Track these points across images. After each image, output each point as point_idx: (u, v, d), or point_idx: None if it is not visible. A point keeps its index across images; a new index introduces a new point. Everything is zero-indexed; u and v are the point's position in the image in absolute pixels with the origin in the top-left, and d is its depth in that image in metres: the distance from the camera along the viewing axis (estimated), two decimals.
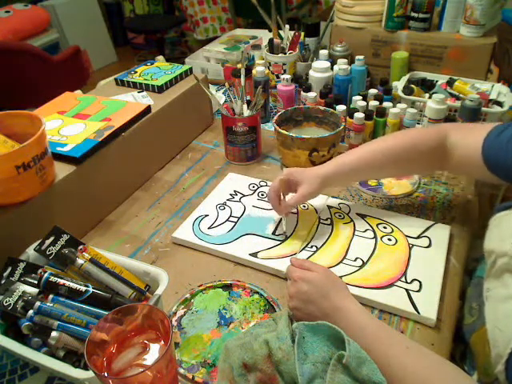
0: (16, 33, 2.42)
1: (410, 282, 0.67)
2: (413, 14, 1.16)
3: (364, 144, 0.79)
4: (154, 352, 0.48)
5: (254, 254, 0.73)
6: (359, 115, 0.96)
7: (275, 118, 0.95)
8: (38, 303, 0.54)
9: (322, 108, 0.99)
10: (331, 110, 0.97)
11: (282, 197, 0.77)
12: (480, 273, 0.66)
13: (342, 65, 1.11)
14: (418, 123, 1.01)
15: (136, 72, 1.07)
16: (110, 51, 3.59)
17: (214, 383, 0.55)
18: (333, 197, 0.86)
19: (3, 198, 0.67)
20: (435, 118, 0.94)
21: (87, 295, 0.56)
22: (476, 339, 0.58)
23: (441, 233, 0.76)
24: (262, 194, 0.87)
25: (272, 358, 0.51)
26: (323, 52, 1.19)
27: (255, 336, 0.53)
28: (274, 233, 0.78)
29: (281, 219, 0.80)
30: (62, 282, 0.56)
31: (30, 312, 0.53)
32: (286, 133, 0.90)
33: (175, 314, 0.65)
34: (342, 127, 0.92)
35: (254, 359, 0.51)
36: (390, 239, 0.75)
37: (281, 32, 1.28)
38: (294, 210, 0.82)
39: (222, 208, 0.84)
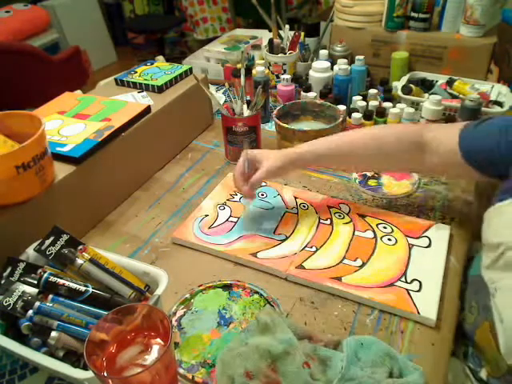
0: (16, 33, 2.42)
1: (410, 282, 0.67)
2: (413, 14, 1.16)
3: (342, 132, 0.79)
4: (153, 352, 0.48)
5: (254, 254, 0.73)
6: (357, 115, 0.96)
7: (275, 112, 0.98)
8: (37, 303, 0.54)
9: (318, 102, 1.01)
10: (328, 103, 0.99)
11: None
12: (474, 272, 0.66)
13: (341, 65, 1.11)
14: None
15: (136, 72, 1.07)
16: (110, 51, 3.59)
17: (213, 383, 0.55)
18: (333, 197, 0.86)
19: (3, 198, 0.67)
20: (432, 118, 0.94)
21: (87, 295, 0.56)
22: (480, 335, 0.59)
23: (441, 233, 0.76)
24: (262, 194, 0.87)
25: (276, 363, 0.52)
26: (323, 52, 1.19)
27: (256, 346, 0.54)
28: (274, 233, 0.78)
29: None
30: (61, 282, 0.56)
31: (30, 312, 0.53)
32: (287, 126, 0.93)
33: (175, 314, 0.65)
34: (340, 119, 0.94)
35: (257, 367, 0.52)
36: (390, 239, 0.75)
37: (281, 32, 1.28)
38: (295, 211, 0.82)
39: (221, 208, 0.84)
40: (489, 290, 0.57)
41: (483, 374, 0.59)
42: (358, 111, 0.99)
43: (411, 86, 1.05)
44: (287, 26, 1.29)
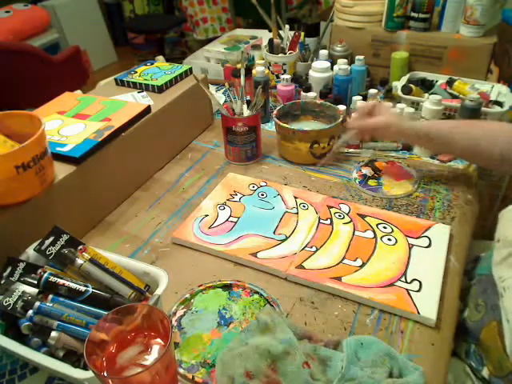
0: (16, 33, 2.41)
1: (410, 282, 0.67)
2: (413, 14, 1.16)
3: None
4: (153, 352, 0.48)
5: (254, 254, 0.73)
6: (356, 115, 0.96)
7: (275, 112, 0.98)
8: (37, 303, 0.54)
9: (318, 102, 1.01)
10: (328, 103, 0.99)
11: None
12: (482, 271, 0.67)
13: (341, 65, 1.11)
14: None
15: (136, 72, 1.07)
16: (110, 51, 3.59)
17: (213, 383, 0.55)
18: (333, 197, 0.86)
19: (3, 198, 0.67)
20: (431, 118, 0.94)
21: (87, 295, 0.56)
22: (486, 334, 0.59)
23: (441, 233, 0.76)
24: (262, 194, 0.87)
25: (276, 362, 0.52)
26: (323, 52, 1.19)
27: (256, 346, 0.54)
28: (274, 233, 0.78)
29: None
30: (61, 282, 0.56)
31: (30, 312, 0.53)
32: (287, 126, 0.93)
33: (175, 314, 0.65)
34: (340, 119, 0.94)
35: (258, 367, 0.52)
36: (389, 239, 0.75)
37: (281, 32, 1.28)
38: (295, 211, 0.82)
39: (221, 208, 0.84)
40: (498, 289, 0.57)
41: (485, 372, 0.59)
42: None
43: (411, 85, 1.05)
44: (287, 26, 1.29)
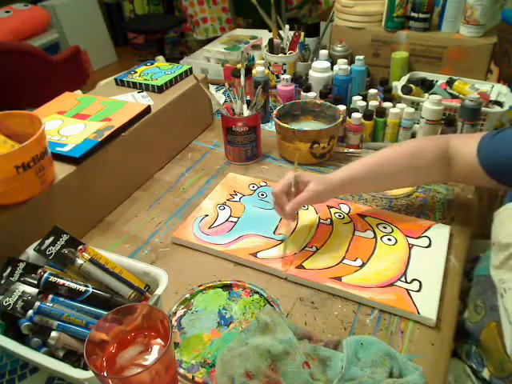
0: (16, 33, 2.42)
1: (410, 282, 0.67)
2: (413, 14, 1.16)
3: (372, 154, 0.78)
4: (153, 352, 0.48)
5: (254, 254, 0.73)
6: (357, 115, 0.96)
7: (275, 112, 0.97)
8: (37, 303, 0.54)
9: (318, 102, 1.01)
10: (328, 103, 0.99)
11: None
12: (480, 272, 0.67)
13: (341, 65, 1.11)
14: (417, 123, 1.01)
15: (136, 72, 1.07)
16: (110, 51, 3.59)
17: (213, 383, 0.55)
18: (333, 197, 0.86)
19: (3, 198, 0.67)
20: (432, 118, 0.94)
21: (87, 295, 0.56)
22: (486, 335, 0.59)
23: (441, 233, 0.76)
24: (262, 194, 0.87)
25: (276, 362, 0.52)
26: (323, 52, 1.19)
27: (256, 346, 0.54)
28: (274, 233, 0.78)
29: (281, 219, 0.80)
30: (61, 282, 0.56)
31: (30, 312, 0.53)
32: (287, 126, 0.93)
33: (175, 314, 0.65)
34: (341, 119, 0.94)
35: (258, 367, 0.52)
36: (389, 239, 0.75)
37: (281, 32, 1.28)
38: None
39: (221, 208, 0.84)
40: (497, 290, 0.57)
41: (486, 373, 0.59)
42: (358, 111, 0.99)
43: (411, 85, 1.05)
44: (287, 26, 1.29)
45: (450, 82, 1.08)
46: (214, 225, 0.80)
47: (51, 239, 0.60)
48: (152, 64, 1.11)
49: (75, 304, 0.55)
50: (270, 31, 1.28)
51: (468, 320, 0.64)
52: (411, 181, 0.80)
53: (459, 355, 0.65)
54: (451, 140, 0.73)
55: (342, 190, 0.77)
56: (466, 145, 0.71)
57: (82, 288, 0.56)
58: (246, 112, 0.96)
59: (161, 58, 1.26)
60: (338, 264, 0.71)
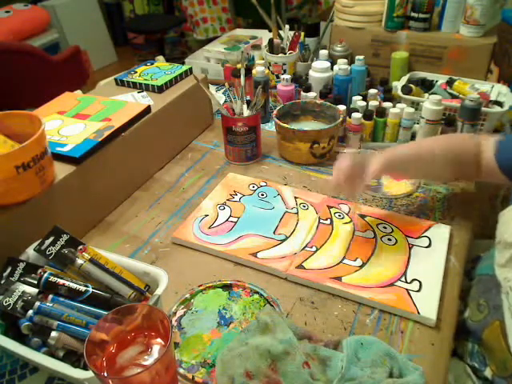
0: (16, 33, 2.41)
1: (410, 282, 0.67)
2: (413, 14, 1.16)
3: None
4: (153, 352, 0.48)
5: (254, 254, 0.73)
6: (356, 115, 0.96)
7: (275, 112, 0.97)
8: (37, 303, 0.54)
9: (318, 102, 1.01)
10: (328, 103, 0.99)
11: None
12: (482, 271, 0.67)
13: (341, 65, 1.11)
14: (417, 123, 1.01)
15: (136, 72, 1.07)
16: (110, 51, 3.59)
17: (213, 383, 0.55)
18: (333, 197, 0.86)
19: (3, 198, 0.67)
20: (432, 118, 0.94)
21: (87, 295, 0.56)
22: (489, 334, 0.59)
23: (441, 233, 0.76)
24: (262, 194, 0.87)
25: (276, 363, 0.52)
26: (323, 52, 1.19)
27: (256, 346, 0.54)
28: (274, 233, 0.78)
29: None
30: (61, 282, 0.56)
31: (30, 312, 0.53)
32: (287, 126, 0.93)
33: (175, 313, 0.65)
34: (341, 119, 0.94)
35: (258, 367, 0.52)
36: (389, 239, 0.75)
37: (281, 32, 1.28)
38: (295, 211, 0.82)
39: (221, 208, 0.84)
40: (501, 288, 0.57)
41: (488, 372, 0.59)
42: (358, 111, 0.99)
43: (411, 85, 1.05)
44: (287, 26, 1.29)
45: (449, 82, 1.08)
46: (214, 225, 0.80)
47: (51, 239, 0.60)
48: (152, 64, 1.11)
49: (75, 304, 0.55)
50: (270, 31, 1.28)
51: (469, 318, 0.64)
52: (453, 176, 0.83)
53: (460, 354, 0.65)
54: (482, 139, 0.75)
55: (394, 166, 0.75)
56: (486, 145, 0.73)
57: (82, 288, 0.56)
58: (246, 112, 0.96)
59: (161, 58, 1.26)
60: (338, 264, 0.71)
